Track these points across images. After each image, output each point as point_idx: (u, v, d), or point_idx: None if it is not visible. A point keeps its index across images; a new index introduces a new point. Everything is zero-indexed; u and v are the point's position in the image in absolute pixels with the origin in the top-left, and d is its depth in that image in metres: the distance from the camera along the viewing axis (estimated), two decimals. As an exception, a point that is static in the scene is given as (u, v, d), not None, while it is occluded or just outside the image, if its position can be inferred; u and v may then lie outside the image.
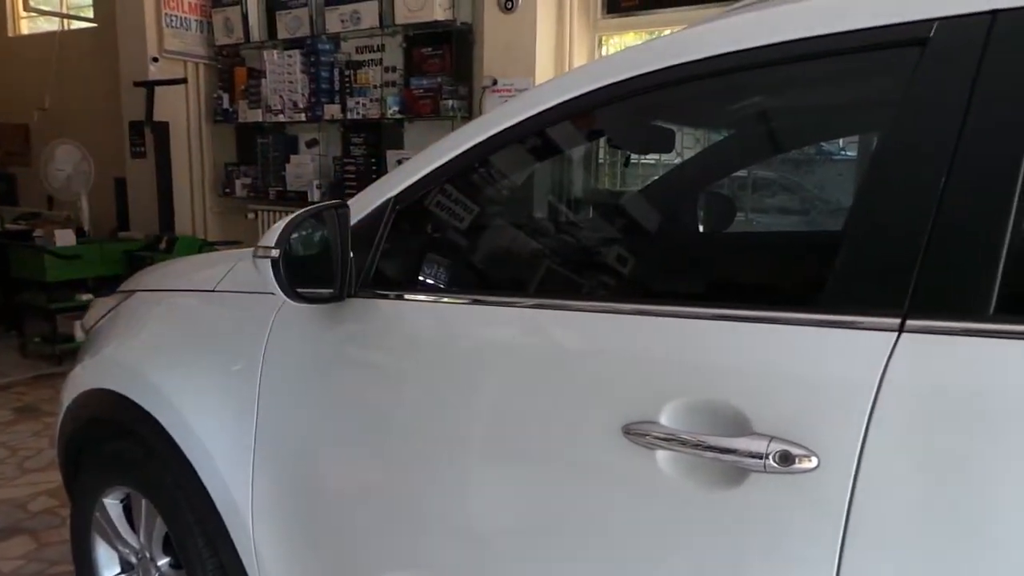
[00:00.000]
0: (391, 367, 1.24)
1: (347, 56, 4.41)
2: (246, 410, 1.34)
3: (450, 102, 3.94)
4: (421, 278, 1.33)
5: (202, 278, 1.56)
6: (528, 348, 1.08)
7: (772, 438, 0.82)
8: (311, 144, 4.73)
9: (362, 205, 1.26)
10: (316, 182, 4.45)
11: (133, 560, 1.69)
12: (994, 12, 0.82)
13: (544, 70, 3.72)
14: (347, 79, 4.34)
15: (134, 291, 1.76)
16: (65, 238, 4.42)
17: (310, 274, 1.19)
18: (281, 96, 4.53)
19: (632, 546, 0.95)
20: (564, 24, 3.82)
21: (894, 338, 0.78)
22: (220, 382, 1.40)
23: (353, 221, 1.24)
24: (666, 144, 1.73)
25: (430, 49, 4.11)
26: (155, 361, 1.53)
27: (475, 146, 1.18)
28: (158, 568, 1.62)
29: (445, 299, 1.24)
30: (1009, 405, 0.73)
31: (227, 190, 4.96)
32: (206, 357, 1.45)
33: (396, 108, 4.14)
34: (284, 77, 4.51)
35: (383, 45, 4.29)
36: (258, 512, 1.35)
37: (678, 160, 1.69)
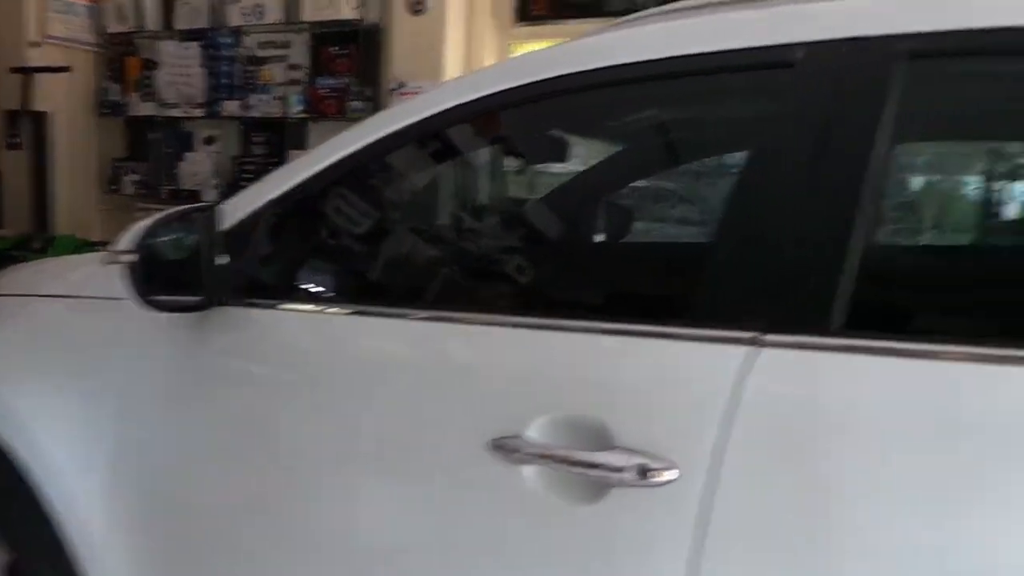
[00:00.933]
0: (264, 380, 1.18)
1: (249, 51, 4.23)
2: (104, 431, 1.24)
3: (356, 103, 3.85)
4: (299, 286, 1.27)
5: (68, 282, 1.44)
6: (401, 362, 1.06)
7: (633, 451, 0.82)
8: (208, 141, 4.50)
9: (239, 208, 1.18)
10: (213, 181, 4.24)
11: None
12: (854, 39, 0.85)
13: (453, 75, 3.69)
14: (249, 75, 4.17)
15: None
16: (-76, 234, 4.03)
17: (174, 280, 1.11)
18: (177, 89, 4.30)
19: (499, 561, 0.94)
20: (474, 30, 3.81)
21: (751, 352, 0.80)
22: (77, 397, 1.28)
23: (228, 224, 1.17)
24: (558, 154, 1.74)
25: (337, 48, 4.00)
26: (5, 375, 1.39)
27: (359, 151, 1.14)
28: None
29: (321, 309, 1.19)
30: (854, 418, 0.77)
31: (114, 187, 4.65)
32: (64, 370, 1.33)
33: (300, 107, 4.00)
34: (181, 70, 4.28)
35: (288, 42, 4.14)
36: (114, 544, 1.23)
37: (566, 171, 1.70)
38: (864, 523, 0.74)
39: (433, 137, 1.21)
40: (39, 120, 4.32)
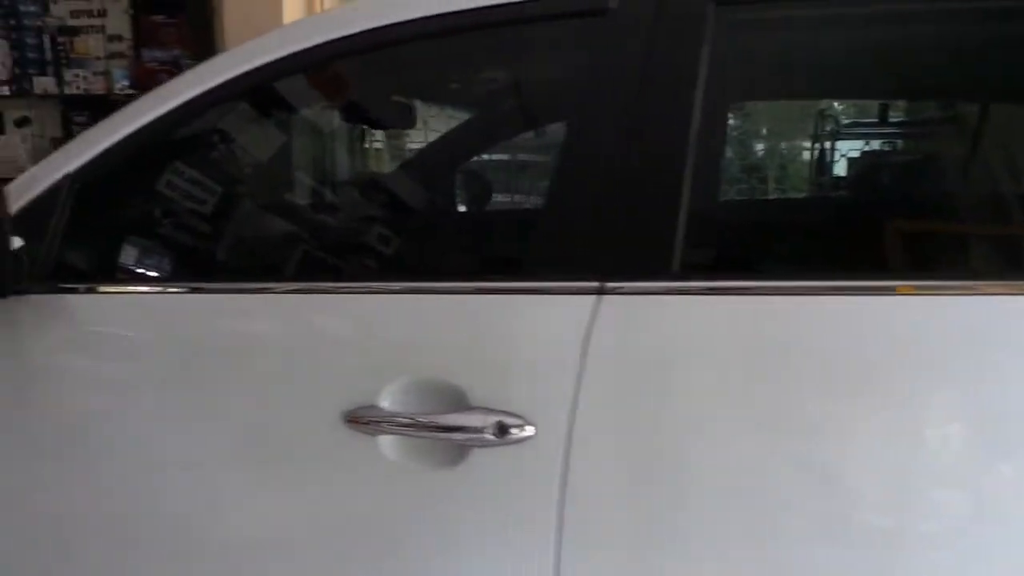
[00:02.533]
0: (88, 369, 1.07)
1: (60, 21, 3.81)
2: None
3: (190, 76, 3.57)
4: (121, 267, 1.16)
5: None
6: (245, 338, 0.99)
7: (489, 411, 0.81)
8: (21, 123, 4.03)
9: (30, 184, 1.06)
10: (28, 166, 3.81)
11: None
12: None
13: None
14: (62, 48, 3.76)
15: None
16: None
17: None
18: (-25, 65, 3.80)
19: (367, 536, 0.91)
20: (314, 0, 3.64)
21: (594, 301, 0.81)
22: None
23: (21, 203, 1.05)
24: (404, 119, 1.69)
25: (162, 17, 3.69)
26: None
27: (173, 110, 1.04)
28: None
29: (150, 289, 1.09)
30: (700, 357, 0.80)
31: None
32: None
33: (126, 83, 3.67)
34: (-23, 42, 3.79)
35: (104, 10, 3.76)
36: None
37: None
38: (712, 458, 0.78)
39: (256, 92, 1.13)
40: None
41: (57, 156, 1.08)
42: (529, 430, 0.80)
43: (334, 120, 1.49)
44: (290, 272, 1.24)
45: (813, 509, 0.77)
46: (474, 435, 0.81)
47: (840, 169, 3.09)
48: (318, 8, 3.61)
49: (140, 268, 1.17)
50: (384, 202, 1.55)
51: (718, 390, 0.79)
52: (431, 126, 1.80)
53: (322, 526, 0.93)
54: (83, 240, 1.09)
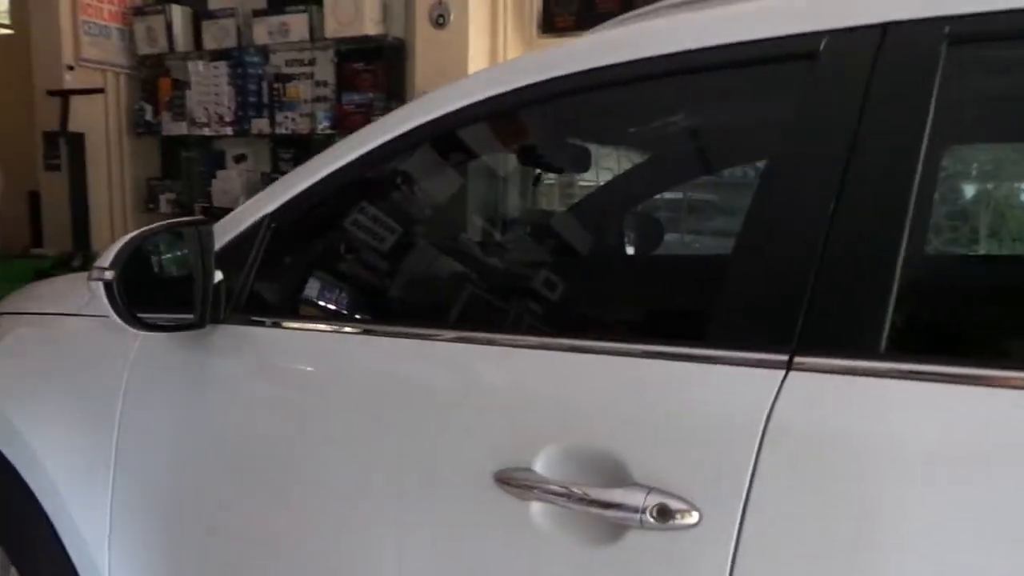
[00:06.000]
0: (265, 400, 1.13)
1: (276, 69, 4.27)
2: (104, 451, 1.21)
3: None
4: (303, 304, 1.22)
5: (72, 299, 1.42)
6: (408, 384, 0.99)
7: (651, 490, 0.73)
8: (239, 159, 4.55)
9: (234, 223, 1.15)
10: (242, 198, 4.27)
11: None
12: (884, 25, 0.77)
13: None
14: (276, 93, 4.20)
15: (3, 313, 1.60)
16: (-32, 255, 4.13)
17: (170, 298, 1.07)
18: (207, 109, 4.35)
19: None
20: (498, 42, 3.78)
21: (780, 377, 0.72)
22: (78, 417, 1.26)
23: (224, 241, 1.14)
24: (581, 163, 1.67)
25: (362, 64, 4.01)
26: (9, 391, 1.37)
27: (361, 156, 1.09)
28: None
29: (325, 327, 1.14)
30: (900, 448, 0.67)
31: (151, 206, 4.73)
32: (65, 388, 1.31)
33: (327, 123, 4.02)
34: (210, 89, 4.34)
35: (314, 59, 4.17)
36: (115, 566, 1.20)
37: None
38: (901, 563, 0.65)
39: (444, 140, 1.15)
40: (76, 141, 4.41)
41: (259, 197, 1.17)
42: (693, 516, 0.71)
43: (509, 163, 1.49)
44: (457, 315, 1.25)
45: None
46: (631, 515, 0.73)
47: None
48: (501, 57, 3.75)
49: (320, 305, 1.23)
50: (552, 247, 1.53)
51: (917, 496, 0.65)
52: (602, 169, 1.76)
53: None
54: (273, 277, 1.17)
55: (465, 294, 1.23)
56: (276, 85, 4.20)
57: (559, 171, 1.72)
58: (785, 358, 0.71)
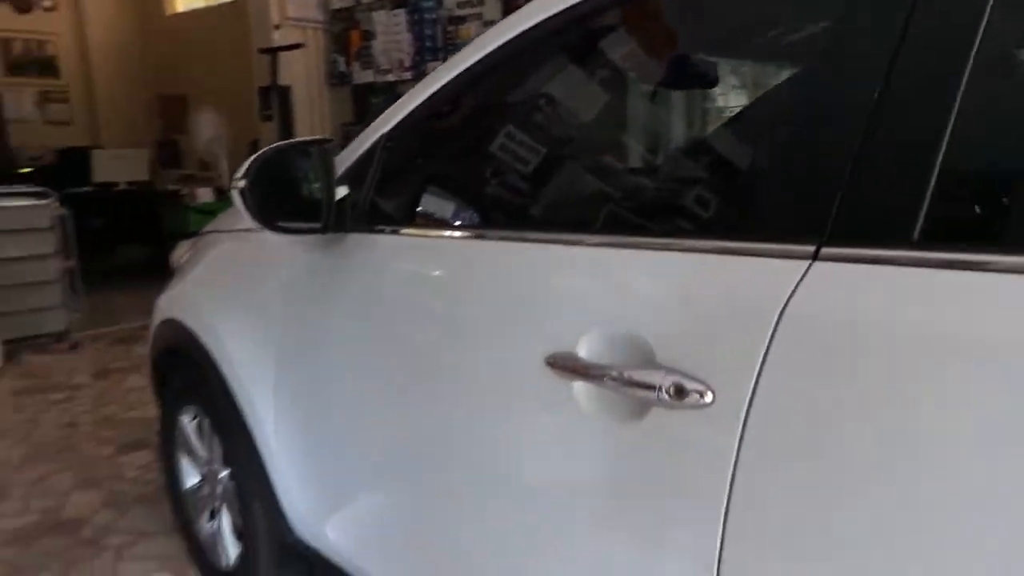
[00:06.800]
0: (383, 298, 1.29)
1: (449, 12, 4.48)
2: (267, 340, 1.47)
3: (544, 52, 3.91)
4: (417, 212, 1.36)
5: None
6: (487, 279, 1.10)
7: (671, 371, 0.79)
8: (419, 102, 4.87)
9: (357, 145, 1.32)
10: (420, 138, 4.60)
11: (205, 471, 1.91)
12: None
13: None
14: (449, 35, 4.43)
15: (207, 232, 1.95)
16: (205, 195, 4.91)
17: (302, 210, 1.27)
18: (389, 56, 4.70)
19: (549, 472, 0.97)
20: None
21: (805, 266, 0.73)
22: (250, 313, 1.54)
23: (349, 162, 1.31)
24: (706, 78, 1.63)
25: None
26: (205, 294, 1.70)
27: (457, 76, 1.19)
28: (219, 480, 1.82)
29: (435, 234, 1.27)
30: (927, 337, 0.66)
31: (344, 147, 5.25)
32: (241, 288, 1.60)
33: (495, 61, 4.17)
34: (392, 37, 4.67)
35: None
36: (278, 431, 1.48)
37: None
38: (908, 466, 0.65)
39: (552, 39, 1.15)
40: (284, 93, 4.99)
41: (377, 122, 1.32)
42: (708, 396, 0.75)
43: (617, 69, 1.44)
44: (537, 217, 1.32)
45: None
46: (650, 393, 0.79)
47: None
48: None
49: (430, 214, 1.35)
50: (603, 148, 1.50)
51: (935, 390, 0.63)
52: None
53: (512, 452, 1.01)
54: (390, 190, 1.32)
55: (543, 201, 1.30)
56: (449, 28, 4.41)
57: (686, 87, 1.68)
58: (812, 249, 0.72)
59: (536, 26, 1.08)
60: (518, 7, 1.11)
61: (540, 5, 1.10)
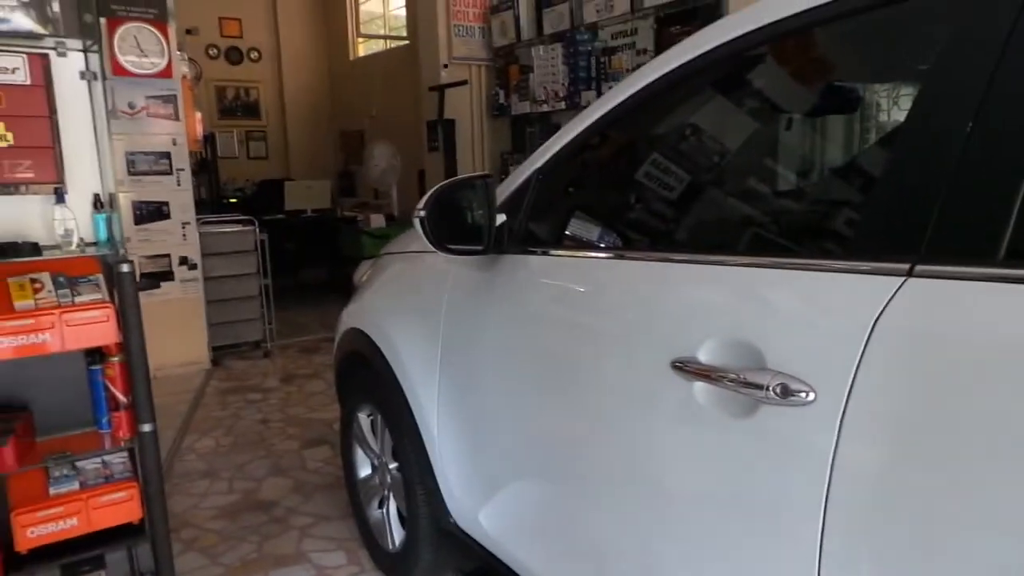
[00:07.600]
0: (537, 309, 1.45)
1: (603, 44, 4.66)
2: (433, 347, 1.69)
3: (696, 78, 3.96)
4: (565, 236, 1.52)
5: (418, 241, 1.95)
6: (622, 294, 1.23)
7: (779, 373, 0.88)
8: (572, 130, 5.08)
9: (515, 178, 1.50)
10: (573, 165, 4.79)
11: (376, 463, 2.17)
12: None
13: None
14: (602, 65, 4.59)
15: (384, 254, 2.23)
16: (377, 221, 5.40)
17: (467, 235, 1.46)
18: (545, 88, 4.95)
19: (673, 462, 1.07)
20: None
21: (899, 282, 0.80)
22: (419, 323, 1.76)
23: (507, 192, 1.50)
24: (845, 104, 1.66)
25: (679, 27, 4.16)
26: (383, 306, 1.96)
27: (600, 117, 1.34)
28: (388, 471, 2.07)
29: (579, 255, 1.43)
30: (1012, 352, 0.71)
31: (502, 176, 5.57)
32: (411, 303, 1.83)
33: (646, 89, 4.28)
34: (548, 70, 4.92)
35: (635, 29, 4.44)
36: (440, 427, 1.68)
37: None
38: (995, 473, 0.70)
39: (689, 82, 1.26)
40: (449, 126, 5.40)
41: (531, 158, 1.50)
42: (811, 395, 0.85)
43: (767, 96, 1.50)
44: (667, 239, 1.43)
45: None
46: (759, 391, 0.89)
47: None
48: None
49: (578, 237, 1.50)
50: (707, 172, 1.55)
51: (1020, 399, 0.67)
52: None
53: (642, 446, 1.11)
54: (542, 217, 1.49)
55: (670, 224, 1.41)
56: (602, 59, 4.58)
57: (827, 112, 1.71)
58: (906, 266, 0.79)
59: (679, 67, 1.21)
60: (669, 35, 1.22)
61: (678, 52, 1.23)
